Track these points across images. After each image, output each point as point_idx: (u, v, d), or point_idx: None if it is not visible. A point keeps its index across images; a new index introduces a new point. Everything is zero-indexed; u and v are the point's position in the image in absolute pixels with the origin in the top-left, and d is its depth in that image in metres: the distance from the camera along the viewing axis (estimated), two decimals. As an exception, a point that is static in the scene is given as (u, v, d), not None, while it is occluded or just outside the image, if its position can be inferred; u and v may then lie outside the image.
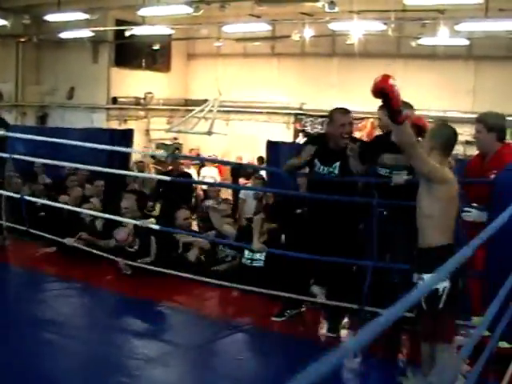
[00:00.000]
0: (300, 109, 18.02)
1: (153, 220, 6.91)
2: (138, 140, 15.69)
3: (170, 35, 17.80)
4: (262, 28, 16.40)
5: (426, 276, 3.72)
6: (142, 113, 18.93)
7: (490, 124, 4.80)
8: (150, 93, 18.63)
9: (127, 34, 16.54)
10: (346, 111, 5.39)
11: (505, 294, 3.27)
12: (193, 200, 11.59)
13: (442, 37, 13.75)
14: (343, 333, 5.43)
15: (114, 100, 18.19)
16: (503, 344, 4.35)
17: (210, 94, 16.22)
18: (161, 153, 15.70)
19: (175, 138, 18.40)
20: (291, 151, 7.60)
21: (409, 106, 5.15)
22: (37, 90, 18.83)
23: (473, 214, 4.75)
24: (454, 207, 3.95)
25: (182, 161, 13.00)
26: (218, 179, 14.62)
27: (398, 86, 3.75)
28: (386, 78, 3.76)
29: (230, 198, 11.51)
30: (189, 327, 5.82)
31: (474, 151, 5.21)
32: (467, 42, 14.79)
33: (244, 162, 15.65)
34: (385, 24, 14.27)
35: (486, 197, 4.68)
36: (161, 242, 6.86)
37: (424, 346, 3.91)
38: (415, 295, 1.80)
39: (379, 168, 5.19)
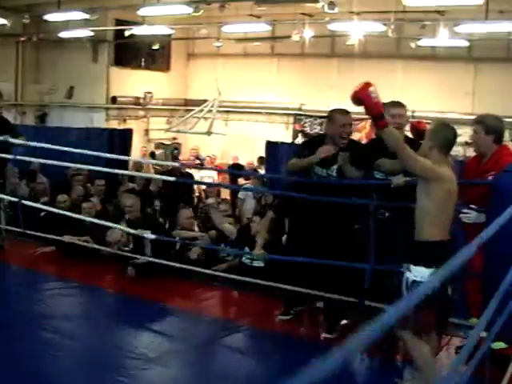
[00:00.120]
0: (299, 109, 18.01)
1: (148, 231, 6.86)
2: (137, 140, 15.69)
3: (169, 35, 17.79)
4: (261, 28, 16.39)
5: (414, 267, 3.88)
6: (141, 112, 18.91)
7: (488, 126, 4.80)
8: (150, 92, 18.62)
9: (127, 33, 16.52)
10: (346, 112, 5.39)
11: (502, 295, 3.27)
12: (195, 201, 11.60)
13: (442, 38, 13.73)
14: (342, 334, 5.43)
15: (114, 99, 18.17)
16: (500, 345, 4.36)
17: (210, 94, 16.21)
18: (160, 153, 15.71)
19: (174, 138, 18.38)
20: (290, 152, 7.62)
21: (400, 105, 5.16)
22: (36, 89, 18.81)
23: (472, 215, 4.76)
24: (451, 204, 4.03)
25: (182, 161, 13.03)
26: (217, 180, 14.59)
27: (377, 93, 3.98)
28: (364, 86, 4.02)
29: (229, 198, 11.52)
30: (188, 327, 5.82)
31: (473, 152, 5.21)
32: (467, 44, 14.79)
33: (243, 162, 15.63)
34: (384, 25, 14.25)
35: (483, 198, 4.68)
36: (155, 242, 6.83)
37: (398, 332, 3.98)
38: (417, 295, 1.80)
39: (375, 172, 5.20)
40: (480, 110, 13.32)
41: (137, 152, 15.23)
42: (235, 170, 13.29)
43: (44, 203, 8.83)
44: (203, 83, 18.31)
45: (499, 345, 4.34)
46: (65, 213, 7.46)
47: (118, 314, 6.05)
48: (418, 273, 3.88)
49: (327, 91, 16.48)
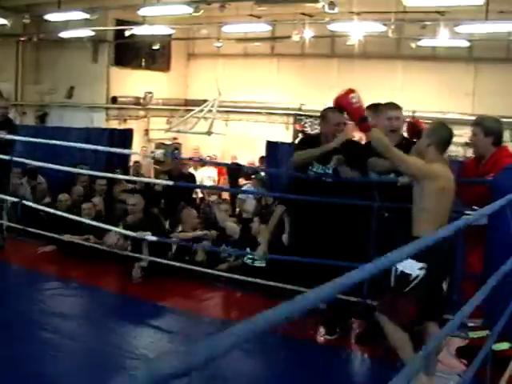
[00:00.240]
0: (299, 109, 18.01)
1: (148, 233, 6.84)
2: (138, 140, 15.69)
3: (169, 35, 17.79)
4: (261, 28, 16.39)
5: (409, 260, 3.94)
6: (141, 112, 18.91)
7: (487, 128, 4.80)
8: (150, 92, 18.61)
9: (127, 33, 16.52)
10: (339, 110, 5.39)
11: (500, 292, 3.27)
12: (196, 200, 11.62)
13: (442, 38, 13.73)
14: (342, 335, 5.43)
15: (114, 99, 18.17)
16: (502, 346, 4.35)
17: (210, 94, 16.21)
18: (159, 152, 15.69)
19: (175, 138, 18.39)
20: (291, 152, 7.61)
21: (396, 107, 5.16)
22: (36, 89, 18.81)
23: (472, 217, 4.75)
24: (446, 202, 4.13)
25: (184, 161, 13.02)
26: (217, 180, 14.58)
27: (358, 99, 4.22)
28: (344, 94, 4.30)
29: (228, 198, 11.54)
30: (188, 327, 5.82)
31: (473, 153, 5.21)
32: (467, 44, 14.79)
33: (243, 162, 15.64)
34: (385, 25, 14.25)
35: (482, 199, 4.67)
36: (153, 244, 6.82)
37: (377, 316, 4.13)
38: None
39: (370, 172, 5.21)
40: (480, 110, 13.34)
41: (137, 152, 15.21)
42: (236, 168, 13.29)
43: (45, 204, 8.85)
44: (203, 83, 18.31)
45: (502, 346, 4.34)
46: (63, 214, 7.45)
47: (118, 314, 6.04)
48: (408, 264, 3.99)
49: (327, 91, 16.41)
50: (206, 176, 14.21)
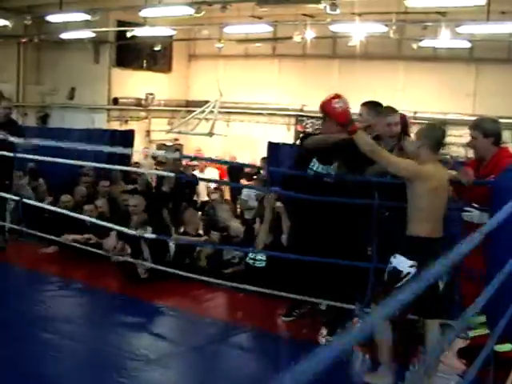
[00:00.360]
0: (301, 110, 18.01)
1: (149, 229, 6.82)
2: (139, 141, 15.68)
3: (171, 36, 17.81)
4: (263, 29, 16.40)
5: (398, 256, 4.15)
6: (142, 113, 18.93)
7: (486, 129, 4.79)
8: (151, 94, 18.63)
9: (128, 34, 16.54)
10: None
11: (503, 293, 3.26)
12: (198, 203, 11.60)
13: (444, 39, 13.73)
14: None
15: (115, 101, 18.19)
16: (505, 347, 4.34)
17: (211, 95, 16.23)
18: (161, 152, 15.67)
19: (176, 139, 18.39)
20: (292, 153, 7.60)
21: (395, 112, 5.14)
22: (38, 90, 18.83)
23: (474, 214, 4.75)
24: (439, 201, 4.21)
25: (188, 162, 13.00)
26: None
27: (343, 104, 4.41)
28: (329, 99, 4.50)
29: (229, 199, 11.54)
30: (189, 328, 5.81)
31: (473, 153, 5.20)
32: (469, 45, 14.79)
33: (243, 162, 15.65)
34: (386, 26, 14.25)
35: (484, 199, 4.67)
36: (153, 246, 6.82)
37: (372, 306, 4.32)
38: (410, 291, 1.79)
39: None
40: (481, 110, 13.34)
41: (138, 153, 15.21)
42: (236, 169, 13.29)
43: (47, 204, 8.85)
44: (205, 84, 18.32)
45: (505, 347, 4.32)
46: (67, 213, 7.45)
47: (119, 315, 6.03)
48: (400, 261, 4.15)
49: (329, 92, 16.33)
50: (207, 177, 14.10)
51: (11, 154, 7.43)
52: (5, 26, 15.53)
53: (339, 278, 5.28)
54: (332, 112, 4.48)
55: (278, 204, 6.69)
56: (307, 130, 17.75)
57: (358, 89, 14.98)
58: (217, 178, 14.66)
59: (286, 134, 17.95)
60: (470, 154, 5.27)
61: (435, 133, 4.38)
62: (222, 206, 8.86)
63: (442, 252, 4.11)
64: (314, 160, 5.36)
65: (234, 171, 13.87)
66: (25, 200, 7.78)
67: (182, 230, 7.89)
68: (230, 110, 18.09)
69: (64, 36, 16.77)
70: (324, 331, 5.39)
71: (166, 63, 19.62)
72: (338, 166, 5.32)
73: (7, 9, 15.75)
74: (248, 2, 14.05)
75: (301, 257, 5.36)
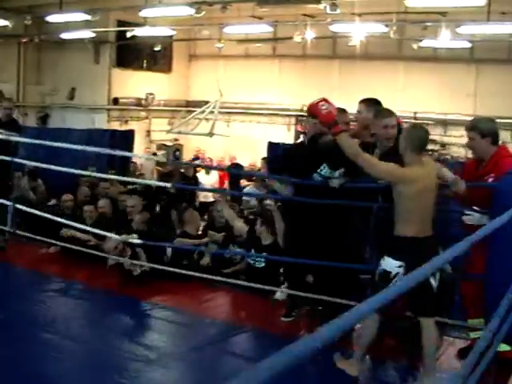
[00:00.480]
0: (301, 110, 17.98)
1: (134, 235, 6.80)
2: (139, 141, 15.69)
3: (171, 36, 17.81)
4: (263, 29, 16.41)
5: (386, 258, 4.23)
6: (143, 114, 18.93)
7: (482, 130, 4.78)
8: (151, 94, 18.63)
9: (128, 34, 16.54)
10: (342, 110, 5.39)
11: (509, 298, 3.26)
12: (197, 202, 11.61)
13: (444, 39, 13.73)
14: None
15: (115, 101, 18.19)
16: (505, 347, 4.34)
17: (211, 95, 16.18)
18: (160, 155, 15.69)
19: (176, 139, 18.38)
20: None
21: (391, 115, 5.11)
22: (38, 90, 18.83)
23: (474, 217, 4.75)
24: (425, 202, 4.25)
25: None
26: (219, 182, 14.47)
27: (329, 107, 4.68)
28: (316, 102, 4.77)
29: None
30: (189, 328, 5.81)
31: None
32: (469, 45, 14.79)
33: (244, 163, 15.64)
34: (386, 26, 14.26)
35: (484, 200, 4.66)
36: (148, 250, 6.80)
37: None
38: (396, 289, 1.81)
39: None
40: (482, 111, 13.35)
41: (139, 153, 15.20)
42: (237, 171, 13.27)
43: (50, 205, 8.86)
44: (205, 84, 18.32)
45: (503, 347, 4.32)
46: (61, 220, 7.43)
47: (119, 316, 6.04)
48: (388, 263, 4.23)
49: (329, 92, 16.41)
50: (208, 183, 14.00)
51: (12, 155, 7.42)
52: (5, 26, 15.53)
53: (336, 280, 5.28)
54: (318, 113, 4.73)
55: (269, 202, 6.73)
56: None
57: (358, 89, 14.96)
58: (217, 178, 14.61)
59: (286, 135, 17.95)
60: (470, 154, 5.26)
61: (416, 134, 4.40)
62: (227, 205, 8.83)
63: (431, 251, 4.19)
64: (324, 165, 5.33)
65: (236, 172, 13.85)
66: (18, 206, 7.70)
67: (181, 229, 7.86)
68: (230, 111, 18.08)
69: (64, 36, 16.77)
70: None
71: (166, 63, 19.63)
72: (345, 172, 5.29)
73: (7, 9, 15.75)
74: (248, 2, 14.06)
75: (299, 259, 5.36)
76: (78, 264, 7.14)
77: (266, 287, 5.76)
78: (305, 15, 15.29)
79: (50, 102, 18.92)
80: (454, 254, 2.29)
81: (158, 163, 13.68)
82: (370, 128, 5.20)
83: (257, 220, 6.93)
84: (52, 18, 15.61)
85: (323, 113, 4.68)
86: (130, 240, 6.65)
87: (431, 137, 16.72)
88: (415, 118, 15.06)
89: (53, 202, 9.31)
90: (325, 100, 4.81)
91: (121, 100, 18.21)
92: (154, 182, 9.41)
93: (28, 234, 7.50)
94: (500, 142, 4.98)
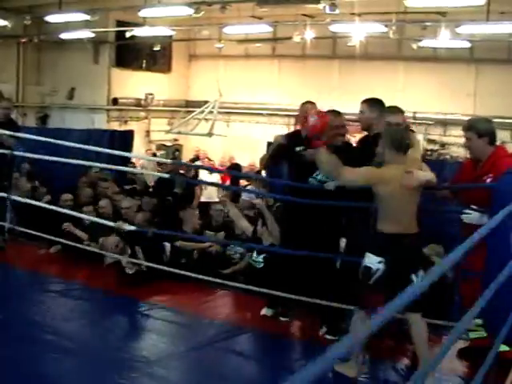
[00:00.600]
0: (300, 111, 17.99)
1: (126, 224, 6.79)
2: (139, 141, 15.69)
3: (170, 36, 17.81)
4: (263, 29, 16.40)
5: (368, 254, 4.33)
6: (142, 114, 18.94)
7: (479, 130, 4.78)
8: (151, 94, 18.63)
9: (128, 34, 16.53)
10: (338, 113, 5.44)
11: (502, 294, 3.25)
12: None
13: (443, 39, 13.73)
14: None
15: (115, 101, 18.19)
16: (504, 347, 4.33)
17: (211, 95, 16.21)
18: (161, 154, 15.70)
19: (175, 140, 18.39)
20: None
21: (396, 112, 5.11)
22: (37, 90, 18.83)
23: (473, 216, 4.74)
24: (405, 200, 4.33)
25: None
26: (221, 182, 14.41)
27: (317, 121, 4.88)
28: (311, 111, 5.15)
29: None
30: (188, 329, 5.80)
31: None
32: (468, 45, 14.79)
33: (243, 163, 15.65)
34: (386, 26, 14.25)
35: (483, 200, 4.65)
36: (147, 248, 6.79)
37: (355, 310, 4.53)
38: (411, 292, 1.80)
39: None
40: (481, 111, 13.35)
41: (138, 154, 15.19)
42: (236, 172, 13.24)
43: (46, 202, 8.84)
44: (204, 84, 18.32)
45: (503, 348, 4.31)
46: (63, 210, 7.44)
47: (119, 316, 6.03)
48: (370, 259, 4.32)
49: (328, 92, 16.48)
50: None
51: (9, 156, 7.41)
52: (4, 26, 15.54)
53: (334, 279, 5.28)
54: (307, 124, 5.01)
55: (258, 201, 6.74)
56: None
57: (358, 89, 14.96)
58: (219, 179, 14.56)
59: (285, 135, 17.92)
60: (469, 154, 5.25)
61: (392, 134, 4.48)
62: (233, 204, 8.82)
63: (413, 248, 4.22)
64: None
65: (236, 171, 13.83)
66: (14, 197, 7.68)
67: (180, 229, 7.84)
68: (229, 110, 18.09)
69: (64, 36, 16.77)
70: (324, 329, 5.39)
71: (166, 63, 19.62)
72: None
73: (7, 9, 15.76)
74: (248, 3, 14.05)
75: (294, 254, 5.37)
76: (76, 264, 7.13)
77: (265, 290, 5.74)
78: (304, 15, 15.29)
79: (49, 102, 18.93)
80: (459, 254, 2.28)
81: (159, 164, 13.66)
82: (371, 128, 5.21)
83: (257, 219, 6.94)
84: (51, 18, 15.61)
85: (309, 124, 4.91)
86: (125, 227, 6.65)
87: (430, 137, 16.78)
88: (415, 118, 15.06)
89: (47, 198, 9.28)
90: (318, 112, 5.11)
91: (120, 100, 18.21)
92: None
93: (27, 230, 7.50)
94: (499, 142, 4.98)
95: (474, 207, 4.75)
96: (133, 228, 6.61)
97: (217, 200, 11.08)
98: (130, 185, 10.31)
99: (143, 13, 14.58)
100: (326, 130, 4.99)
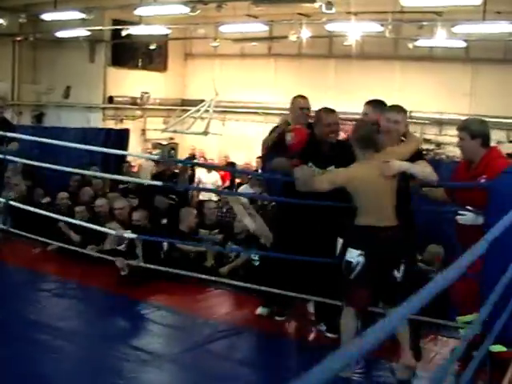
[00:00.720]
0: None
1: (128, 231, 6.77)
2: (134, 140, 15.65)
3: (166, 35, 17.78)
4: (259, 28, 16.40)
5: (349, 249, 4.41)
6: (138, 112, 18.91)
7: (473, 131, 4.77)
8: (147, 92, 18.61)
9: (124, 33, 16.51)
10: (331, 110, 5.43)
11: (499, 294, 3.25)
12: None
13: (440, 39, 13.75)
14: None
15: (111, 99, 18.16)
16: (500, 348, 4.33)
17: (207, 94, 16.19)
18: (155, 154, 15.67)
19: (171, 138, 18.37)
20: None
21: (395, 110, 5.11)
22: (33, 89, 18.78)
23: (468, 217, 4.73)
24: (375, 195, 4.41)
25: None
26: (220, 183, 14.41)
27: (293, 138, 5.21)
28: (292, 130, 5.37)
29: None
30: (185, 329, 5.80)
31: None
32: (464, 44, 14.80)
33: (238, 162, 15.64)
34: (382, 25, 14.25)
35: (476, 201, 4.65)
36: (146, 243, 6.76)
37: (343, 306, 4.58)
38: (424, 294, 1.77)
39: None
40: (478, 110, 13.35)
41: (133, 152, 15.17)
42: (233, 169, 13.27)
43: (44, 203, 8.84)
44: (200, 83, 18.30)
45: (498, 348, 4.31)
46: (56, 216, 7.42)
47: (116, 315, 6.01)
48: (351, 254, 4.39)
49: (324, 92, 16.46)
50: (209, 182, 13.94)
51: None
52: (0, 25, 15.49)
53: (326, 277, 5.27)
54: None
55: (244, 200, 6.76)
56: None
57: (354, 88, 14.98)
58: (218, 179, 14.53)
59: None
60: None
61: (360, 131, 4.58)
62: (238, 202, 8.81)
63: (391, 240, 4.34)
64: (311, 164, 5.34)
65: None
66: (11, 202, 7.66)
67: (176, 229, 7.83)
68: (225, 109, 18.07)
69: (59, 35, 16.73)
70: (323, 327, 5.39)
71: (162, 62, 19.59)
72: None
73: (2, 7, 15.71)
74: (243, 1, 14.03)
75: (289, 255, 5.36)
76: (72, 263, 7.11)
77: (262, 288, 5.73)
78: (300, 14, 15.29)
79: (45, 100, 18.88)
80: (472, 257, 2.26)
81: (156, 162, 13.65)
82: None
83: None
84: (47, 17, 15.58)
85: (288, 144, 5.22)
86: (126, 235, 6.63)
87: (426, 136, 16.76)
88: (411, 117, 15.05)
89: (46, 199, 9.27)
90: (295, 130, 5.35)
91: (116, 99, 18.19)
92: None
93: (21, 232, 7.47)
94: (496, 142, 4.98)
95: (469, 208, 4.75)
96: (134, 236, 6.55)
97: (213, 198, 11.11)
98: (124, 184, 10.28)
99: (139, 11, 14.55)
100: (303, 144, 5.21)
